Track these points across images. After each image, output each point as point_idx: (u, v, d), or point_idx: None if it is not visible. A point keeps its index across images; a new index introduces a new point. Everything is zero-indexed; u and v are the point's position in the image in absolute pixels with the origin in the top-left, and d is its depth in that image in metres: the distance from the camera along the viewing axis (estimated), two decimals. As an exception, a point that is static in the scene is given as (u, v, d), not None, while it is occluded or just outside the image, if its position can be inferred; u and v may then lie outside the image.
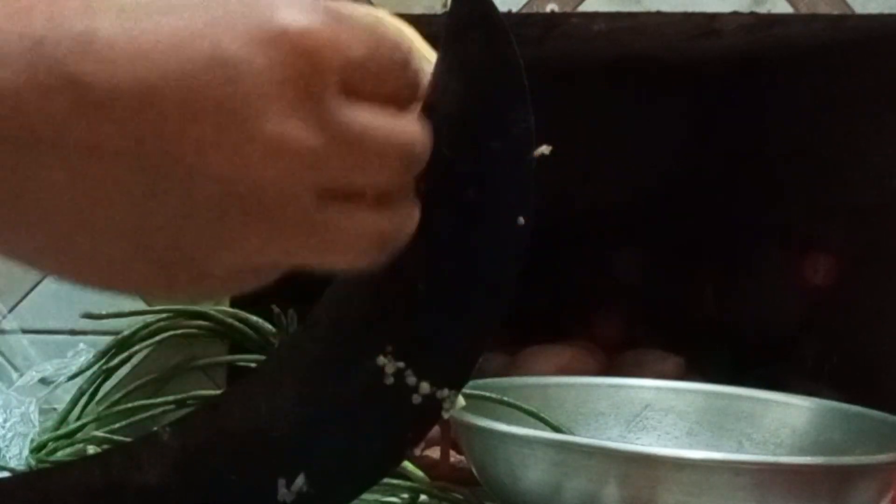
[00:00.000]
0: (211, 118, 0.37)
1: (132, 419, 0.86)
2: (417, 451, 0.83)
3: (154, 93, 0.37)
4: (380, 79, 0.40)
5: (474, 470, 0.75)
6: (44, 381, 0.93)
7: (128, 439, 0.80)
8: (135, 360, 0.91)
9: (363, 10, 0.42)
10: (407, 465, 0.80)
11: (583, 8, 0.92)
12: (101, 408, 0.89)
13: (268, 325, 0.87)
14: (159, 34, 0.37)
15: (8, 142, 0.37)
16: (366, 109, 0.40)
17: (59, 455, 0.85)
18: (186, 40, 0.37)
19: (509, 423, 0.72)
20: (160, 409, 0.86)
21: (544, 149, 0.47)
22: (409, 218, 0.42)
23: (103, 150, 0.37)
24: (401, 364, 0.48)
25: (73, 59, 0.37)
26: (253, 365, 0.87)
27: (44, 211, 0.38)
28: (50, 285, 0.93)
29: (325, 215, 0.39)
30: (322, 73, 0.38)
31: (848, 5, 0.92)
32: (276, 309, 0.86)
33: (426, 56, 0.48)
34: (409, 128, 0.41)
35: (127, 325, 0.90)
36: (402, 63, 0.41)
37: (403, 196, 0.42)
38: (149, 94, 0.37)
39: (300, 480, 0.50)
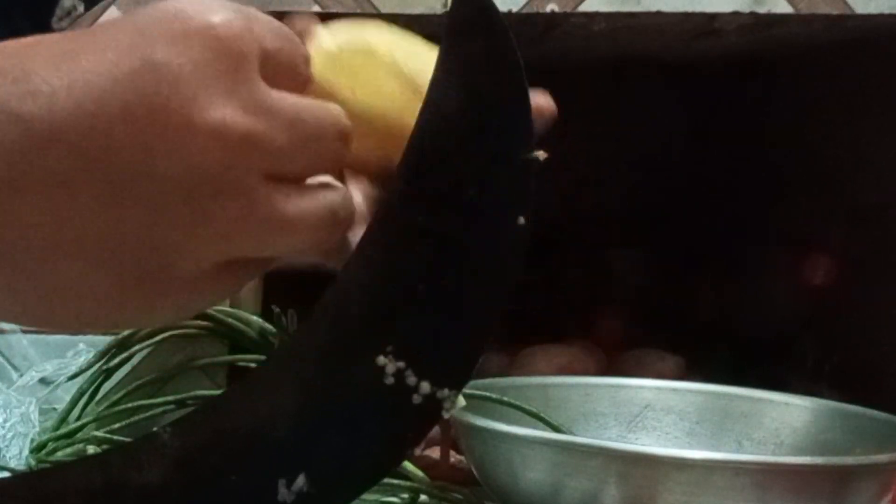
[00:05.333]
0: (152, 122, 0.39)
1: (132, 419, 0.86)
2: (417, 451, 0.83)
3: (93, 114, 0.38)
4: (291, 69, 0.43)
5: (474, 470, 0.75)
6: (44, 381, 0.93)
7: (128, 439, 0.80)
8: (135, 360, 0.91)
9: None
10: (407, 465, 0.80)
11: (583, 8, 0.92)
12: (101, 408, 0.89)
13: (268, 325, 0.87)
14: (89, 56, 0.39)
15: None
16: (292, 95, 0.42)
17: (59, 455, 0.85)
18: (113, 54, 0.39)
19: (509, 423, 0.72)
20: (160, 409, 0.86)
21: (540, 154, 0.47)
22: (348, 198, 0.44)
23: (57, 178, 0.38)
24: (401, 364, 0.48)
25: (12, 98, 0.38)
26: (253, 365, 0.87)
27: (15, 249, 0.39)
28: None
29: (273, 198, 0.41)
30: (245, 60, 0.41)
31: (848, 5, 0.92)
32: (276, 309, 0.86)
33: (427, 54, 0.48)
34: (334, 108, 0.44)
35: (127, 325, 0.90)
36: (305, 58, 0.44)
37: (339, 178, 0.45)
38: (91, 116, 0.38)
39: (300, 480, 0.50)
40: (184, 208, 0.40)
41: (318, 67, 0.46)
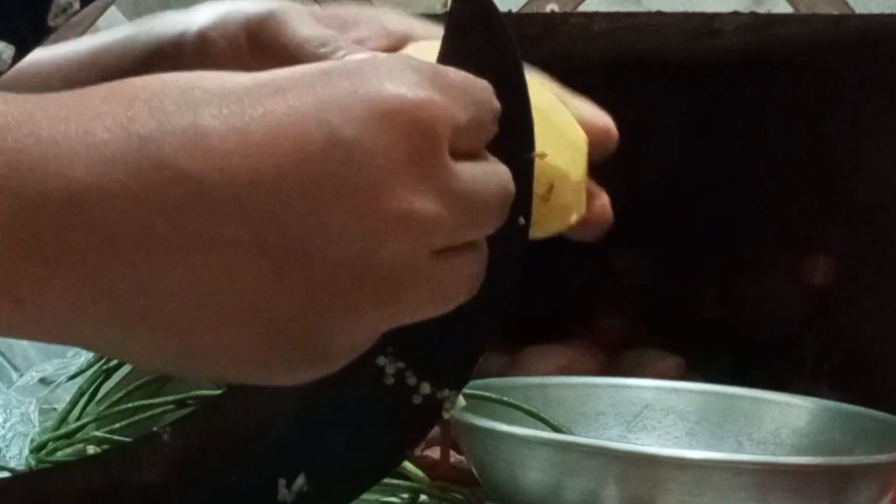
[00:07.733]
0: (335, 202, 0.37)
1: (132, 419, 0.86)
2: (417, 451, 0.83)
3: (273, 184, 0.36)
4: (480, 131, 0.41)
5: (474, 470, 0.75)
6: (44, 381, 0.93)
7: (128, 439, 0.80)
8: (135, 360, 0.91)
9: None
10: (407, 465, 0.80)
11: (583, 8, 0.92)
12: (101, 408, 0.89)
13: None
14: (269, 122, 0.37)
15: (125, 241, 0.36)
16: (469, 165, 0.40)
17: (59, 455, 0.85)
18: (298, 126, 0.37)
19: (509, 423, 0.72)
20: (160, 409, 0.86)
21: (540, 154, 0.47)
22: (486, 250, 0.42)
23: (220, 243, 0.36)
24: (401, 364, 0.48)
25: (182, 155, 0.36)
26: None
27: (165, 308, 0.37)
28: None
29: (438, 270, 0.39)
30: (439, 144, 0.38)
31: (848, 5, 0.92)
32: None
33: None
34: (501, 170, 0.41)
35: (127, 325, 0.90)
36: (494, 115, 0.42)
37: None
38: (267, 185, 0.36)
39: (300, 480, 0.50)
40: (352, 292, 0.38)
41: None
